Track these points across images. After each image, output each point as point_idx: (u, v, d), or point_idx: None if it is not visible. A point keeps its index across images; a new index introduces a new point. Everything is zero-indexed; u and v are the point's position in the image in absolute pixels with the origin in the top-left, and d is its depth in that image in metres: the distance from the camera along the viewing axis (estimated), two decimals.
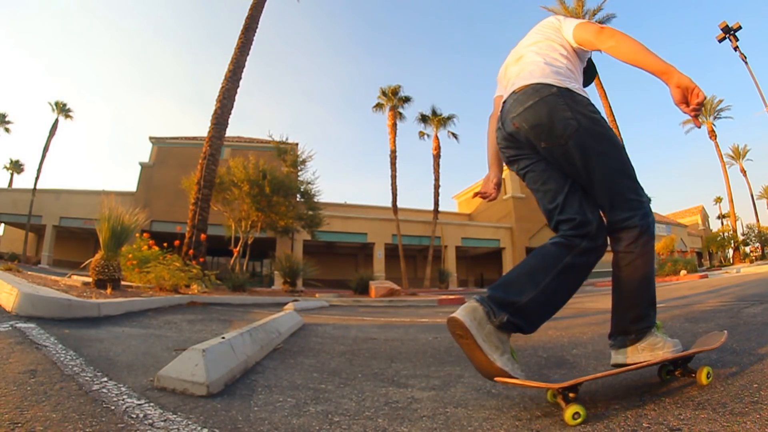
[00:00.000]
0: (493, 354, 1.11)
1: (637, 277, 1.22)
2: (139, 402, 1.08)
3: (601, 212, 1.28)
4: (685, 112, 1.11)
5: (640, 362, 1.18)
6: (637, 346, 1.22)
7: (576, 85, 1.26)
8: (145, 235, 6.74)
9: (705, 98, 1.08)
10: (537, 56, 1.34)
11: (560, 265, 1.24)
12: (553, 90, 1.22)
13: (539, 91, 1.23)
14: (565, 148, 1.22)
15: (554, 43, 1.37)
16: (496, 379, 1.11)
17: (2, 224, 24.26)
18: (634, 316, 1.23)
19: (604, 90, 19.10)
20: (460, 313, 1.22)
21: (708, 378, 1.18)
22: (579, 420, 0.97)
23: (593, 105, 1.24)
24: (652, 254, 1.23)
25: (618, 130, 18.43)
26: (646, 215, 1.21)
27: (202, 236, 8.49)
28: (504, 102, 1.38)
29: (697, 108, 1.08)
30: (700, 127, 1.32)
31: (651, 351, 1.20)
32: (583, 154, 1.20)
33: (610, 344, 1.30)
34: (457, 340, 1.20)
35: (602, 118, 1.24)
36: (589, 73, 1.52)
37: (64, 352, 1.57)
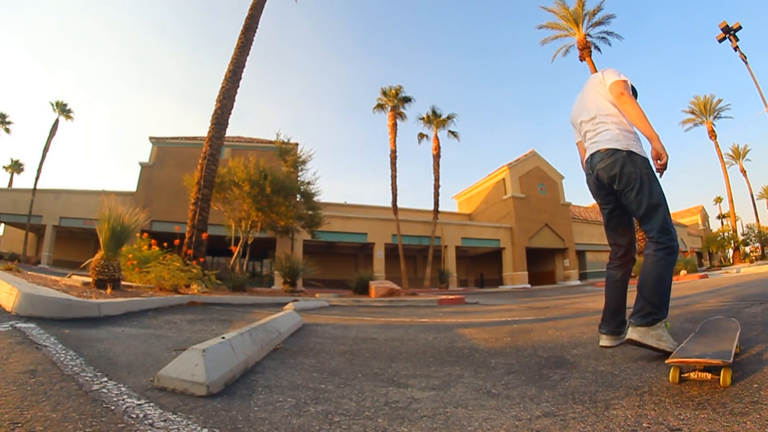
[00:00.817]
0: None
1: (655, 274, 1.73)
2: (139, 402, 1.08)
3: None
4: (655, 166, 1.77)
5: (648, 344, 1.58)
6: (649, 331, 1.60)
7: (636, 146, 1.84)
8: (144, 235, 6.74)
9: (666, 161, 1.73)
10: (605, 121, 1.93)
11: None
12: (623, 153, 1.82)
13: (614, 154, 1.84)
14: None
15: (605, 99, 1.96)
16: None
17: (2, 224, 24.26)
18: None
19: None
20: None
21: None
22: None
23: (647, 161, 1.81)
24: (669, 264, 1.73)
25: None
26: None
27: (204, 235, 8.49)
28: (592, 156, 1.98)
29: (661, 167, 1.76)
30: (661, 177, 1.83)
31: (657, 340, 1.59)
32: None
33: (630, 322, 1.68)
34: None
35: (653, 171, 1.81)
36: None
37: (64, 352, 1.57)
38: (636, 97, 2.08)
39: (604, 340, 1.96)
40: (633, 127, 1.86)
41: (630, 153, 1.80)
